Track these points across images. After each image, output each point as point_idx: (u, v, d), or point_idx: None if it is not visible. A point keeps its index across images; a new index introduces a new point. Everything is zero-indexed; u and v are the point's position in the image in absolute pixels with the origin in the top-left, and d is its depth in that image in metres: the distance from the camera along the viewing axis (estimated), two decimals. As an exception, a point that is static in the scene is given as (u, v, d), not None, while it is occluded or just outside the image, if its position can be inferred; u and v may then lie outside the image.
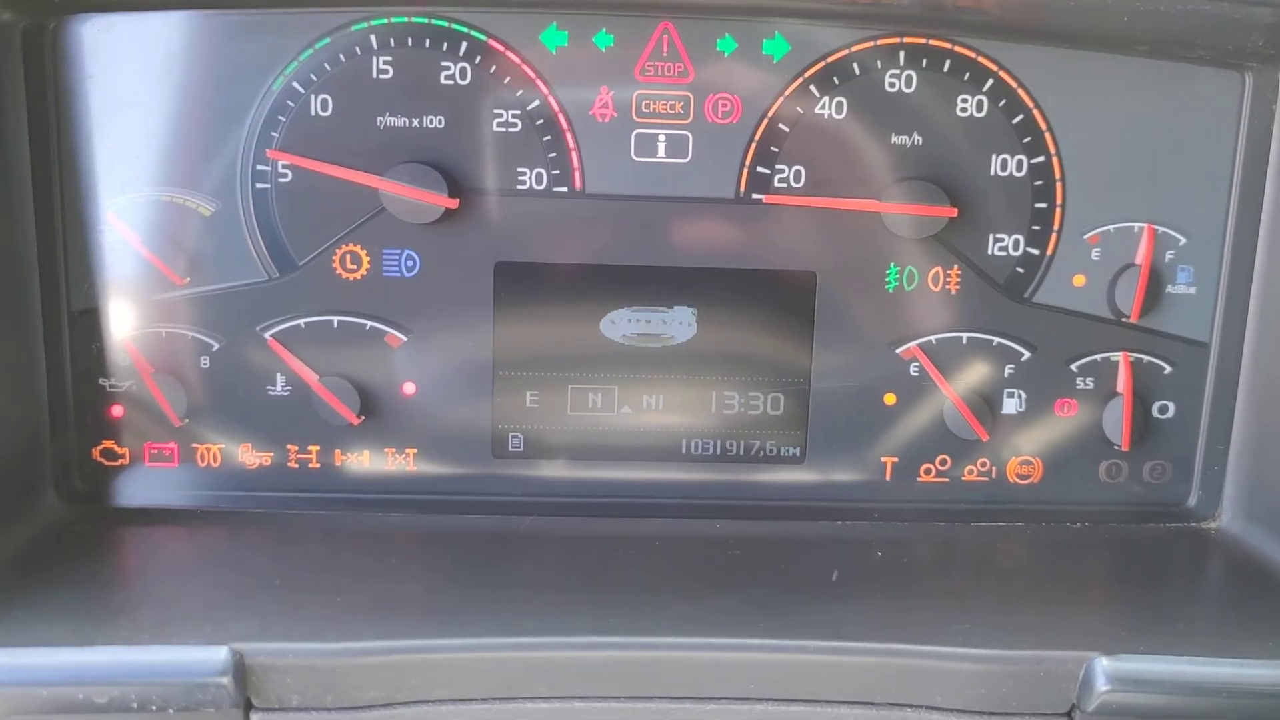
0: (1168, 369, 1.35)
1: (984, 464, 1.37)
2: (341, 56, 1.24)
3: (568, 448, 1.35)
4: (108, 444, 1.31)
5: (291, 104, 1.25)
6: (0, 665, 0.98)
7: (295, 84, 1.24)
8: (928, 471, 1.37)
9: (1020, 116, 1.29)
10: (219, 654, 0.99)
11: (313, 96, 1.25)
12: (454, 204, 1.25)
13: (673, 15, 1.25)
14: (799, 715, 1.06)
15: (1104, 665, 1.03)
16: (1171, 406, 1.36)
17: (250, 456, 1.33)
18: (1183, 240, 1.32)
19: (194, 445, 1.32)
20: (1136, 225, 1.32)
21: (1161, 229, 1.32)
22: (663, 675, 1.06)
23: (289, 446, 1.33)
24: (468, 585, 1.16)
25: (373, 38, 1.24)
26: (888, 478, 1.37)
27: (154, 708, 0.98)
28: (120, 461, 1.32)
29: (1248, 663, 1.05)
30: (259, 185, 1.26)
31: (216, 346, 1.30)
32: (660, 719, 1.06)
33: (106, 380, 1.30)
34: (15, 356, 1.24)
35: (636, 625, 1.08)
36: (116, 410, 1.31)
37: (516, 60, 1.26)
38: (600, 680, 1.05)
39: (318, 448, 1.33)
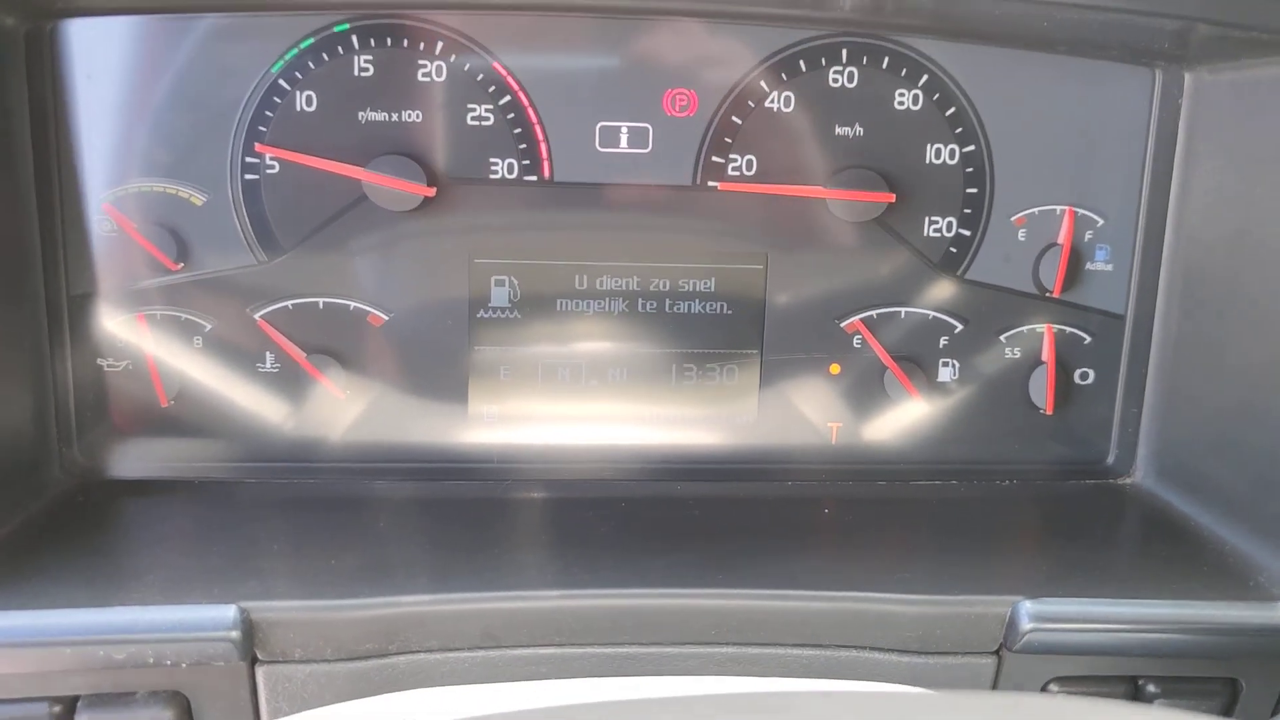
0: (1087, 339, 1.46)
1: (920, 427, 1.48)
2: (325, 55, 1.31)
3: (538, 418, 1.43)
4: (106, 419, 1.38)
5: (278, 100, 1.32)
6: (26, 626, 1.06)
7: (281, 81, 1.31)
8: (870, 434, 1.48)
9: (953, 109, 1.39)
10: (228, 612, 1.07)
11: (298, 93, 1.32)
12: (431, 192, 1.33)
13: (632, 17, 1.33)
14: (755, 657, 1.16)
15: (1028, 608, 1.15)
16: (1091, 373, 1.47)
17: (241, 429, 1.40)
18: (1100, 221, 1.43)
19: (188, 419, 1.39)
20: (1059, 208, 1.42)
21: (1081, 211, 1.42)
22: (631, 624, 1.15)
23: (278, 419, 1.41)
24: (451, 546, 1.24)
25: (354, 37, 1.31)
26: (833, 441, 1.47)
27: (168, 662, 1.06)
28: (118, 436, 1.38)
29: (1151, 603, 1.17)
30: (248, 176, 1.33)
31: (208, 327, 1.37)
32: (629, 664, 1.16)
33: (104, 360, 1.36)
34: (21, 340, 1.30)
35: (606, 579, 1.17)
36: (114, 388, 1.37)
37: (488, 58, 1.33)
38: (574, 630, 1.14)
39: (305, 420, 1.41)
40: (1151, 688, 1.21)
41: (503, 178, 1.36)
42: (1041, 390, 1.45)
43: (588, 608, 1.15)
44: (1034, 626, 1.14)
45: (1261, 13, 1.09)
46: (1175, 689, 1.21)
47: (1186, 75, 1.36)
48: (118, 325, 1.36)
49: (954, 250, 1.43)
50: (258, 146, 1.32)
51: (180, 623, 1.07)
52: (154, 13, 1.28)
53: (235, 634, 1.07)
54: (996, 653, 1.18)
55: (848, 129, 1.38)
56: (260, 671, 1.11)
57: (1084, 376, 1.48)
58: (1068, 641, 1.16)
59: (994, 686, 1.19)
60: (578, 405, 1.44)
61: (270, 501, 1.36)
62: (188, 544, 1.24)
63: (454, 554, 1.22)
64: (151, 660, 1.06)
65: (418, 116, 1.34)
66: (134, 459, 1.39)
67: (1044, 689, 1.21)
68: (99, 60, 1.29)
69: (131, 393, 1.38)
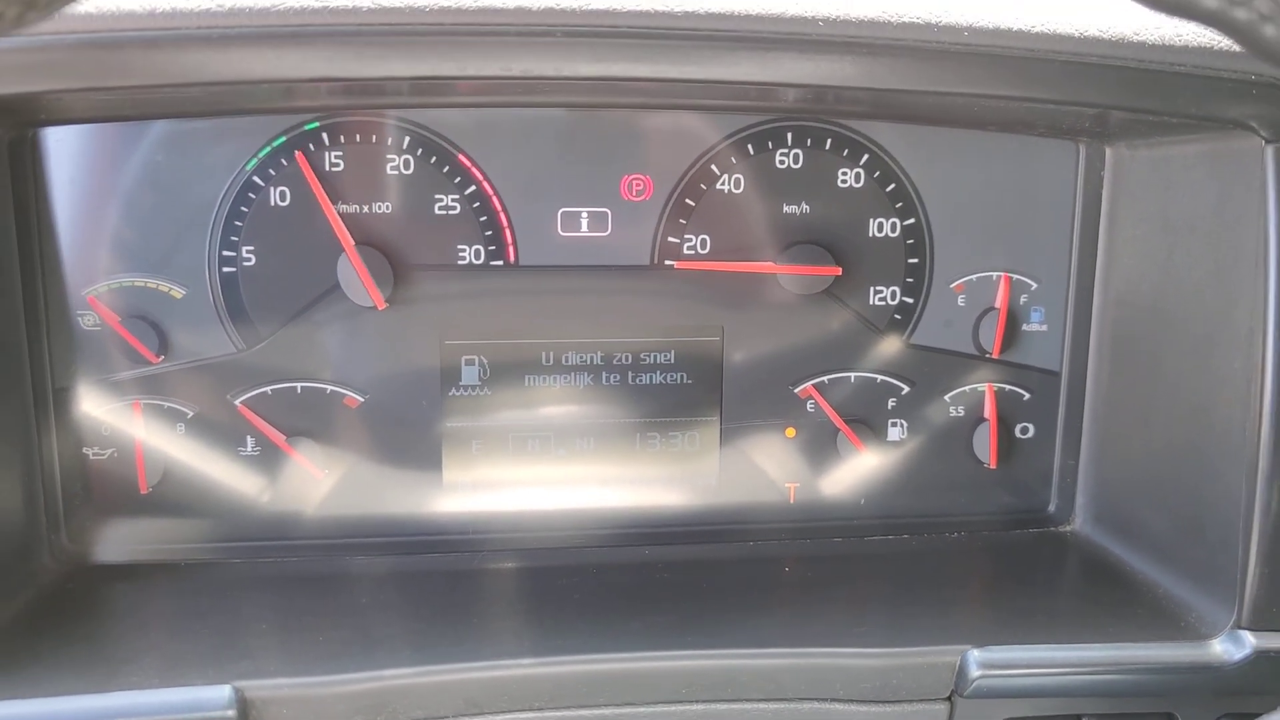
0: (1026, 396, 1.54)
1: (873, 485, 1.55)
2: (297, 152, 1.38)
3: (510, 488, 1.49)
4: (91, 507, 1.42)
5: (254, 196, 1.37)
6: (29, 714, 1.10)
7: (256, 178, 1.37)
8: (826, 493, 1.55)
9: (893, 185, 1.47)
10: (223, 692, 1.12)
11: (272, 189, 1.38)
12: (382, 305, 1.39)
13: (588, 109, 1.41)
14: (724, 713, 1.22)
15: (976, 656, 1.22)
16: (1031, 428, 1.55)
17: (224, 511, 1.44)
18: (1034, 285, 1.51)
19: (172, 503, 1.43)
20: (995, 274, 1.50)
21: (1016, 276, 1.51)
22: (606, 687, 1.20)
23: (259, 500, 1.45)
24: (431, 618, 1.29)
25: (324, 135, 1.38)
26: (791, 501, 1.54)
27: (167, 744, 1.12)
28: (104, 522, 1.42)
29: (1091, 646, 1.24)
30: (226, 269, 1.39)
31: (190, 414, 1.42)
32: (606, 724, 1.23)
33: (89, 449, 1.41)
34: (10, 433, 1.33)
35: (581, 645, 1.22)
36: (99, 475, 1.41)
37: (453, 151, 1.40)
38: (554, 694, 1.19)
39: (286, 500, 1.45)
40: (1094, 725, 1.29)
41: (470, 263, 1.43)
42: (985, 445, 1.53)
43: (564, 673, 1.20)
44: (982, 674, 1.21)
45: (1164, 101, 1.18)
46: (1116, 726, 1.29)
47: (1108, 150, 1.46)
48: (102, 415, 1.40)
49: (898, 317, 1.51)
50: (298, 155, 1.37)
51: (177, 704, 1.12)
52: (133, 119, 1.34)
53: (231, 713, 1.11)
54: (949, 699, 1.24)
55: (795, 207, 1.46)
56: (255, 748, 1.16)
57: (1024, 431, 1.56)
58: (1015, 686, 1.23)
59: (947, 731, 1.27)
60: (547, 474, 1.49)
61: (254, 580, 1.40)
62: (178, 626, 1.28)
63: (434, 625, 1.27)
64: (151, 742, 1.11)
65: (387, 208, 1.40)
66: (120, 544, 1.43)
67: (994, 731, 1.28)
68: (80, 164, 1.34)
69: (116, 480, 1.42)
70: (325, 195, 1.38)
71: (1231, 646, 1.24)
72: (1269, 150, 1.17)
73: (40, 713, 1.11)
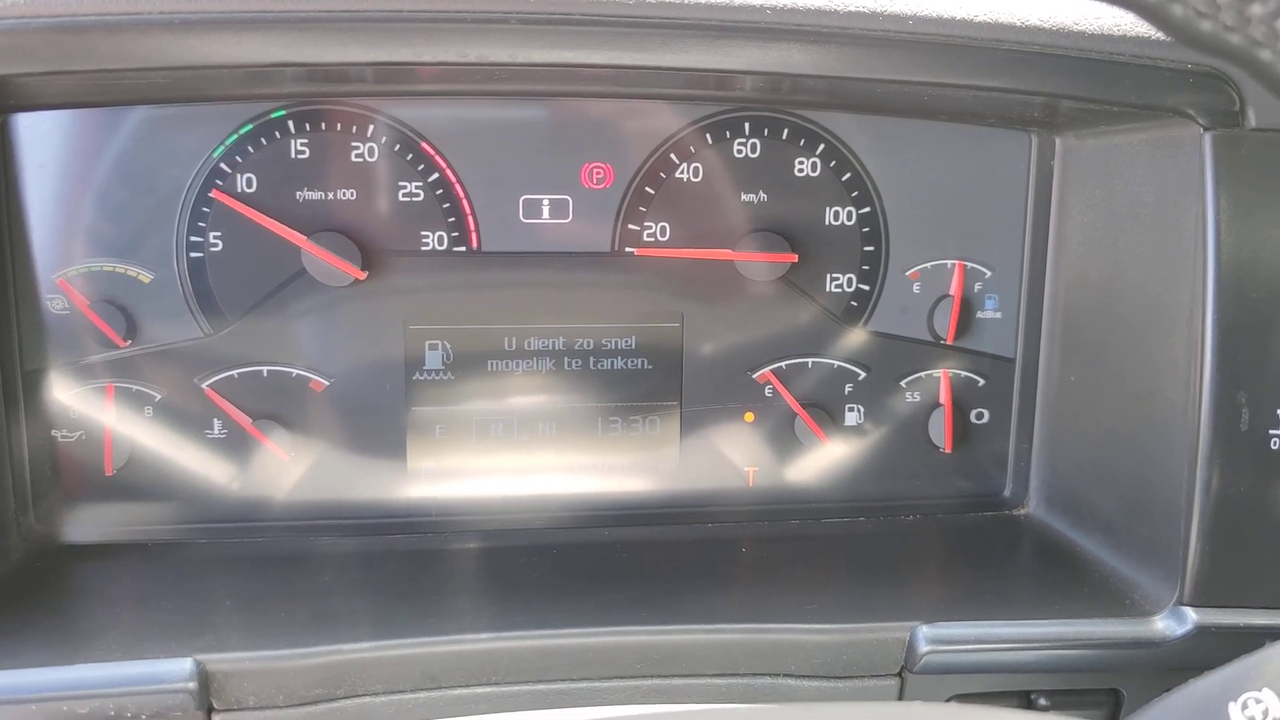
0: (981, 382, 1.57)
1: (830, 469, 1.58)
2: (263, 140, 1.40)
3: (474, 472, 1.51)
4: (60, 488, 1.44)
5: (220, 182, 1.40)
6: (-5, 685, 1.14)
7: (223, 165, 1.40)
8: (784, 476, 1.58)
9: (849, 174, 1.50)
10: (185, 665, 1.14)
11: (239, 175, 1.40)
12: (362, 275, 1.42)
13: (551, 98, 1.44)
14: (678, 688, 1.24)
15: (925, 632, 1.25)
16: (986, 413, 1.58)
17: (191, 493, 1.47)
18: (988, 273, 1.54)
19: (140, 485, 1.45)
20: (949, 262, 1.53)
21: (970, 264, 1.54)
22: (562, 662, 1.23)
23: (226, 482, 1.48)
24: (392, 596, 1.32)
25: (290, 123, 1.40)
26: (750, 484, 1.57)
27: (129, 715, 1.13)
28: (72, 503, 1.44)
29: (1039, 623, 1.27)
30: (193, 254, 1.41)
31: (158, 397, 1.44)
32: (561, 699, 1.24)
33: (58, 431, 1.43)
34: (-21, 415, 1.36)
35: (538, 621, 1.25)
36: (67, 457, 1.44)
37: (416, 139, 1.43)
38: (510, 668, 1.22)
39: (252, 482, 1.48)
40: (1043, 701, 1.30)
41: (433, 249, 1.46)
42: (940, 430, 1.56)
43: (521, 648, 1.22)
44: (931, 649, 1.24)
45: (1105, 89, 1.22)
46: (1064, 702, 1.31)
47: (1058, 140, 1.49)
48: (70, 398, 1.43)
49: (855, 304, 1.54)
50: (215, 193, 1.40)
51: (139, 676, 1.14)
52: (101, 105, 1.36)
53: (192, 685, 1.14)
54: (899, 674, 1.27)
55: (752, 195, 1.49)
56: (216, 720, 1.18)
57: (979, 416, 1.59)
58: (963, 661, 1.26)
59: (899, 706, 1.30)
60: (510, 458, 1.52)
61: (220, 560, 1.42)
62: (143, 603, 1.30)
63: (395, 602, 1.30)
64: (113, 713, 1.12)
65: (352, 195, 1.43)
66: (89, 524, 1.45)
67: (945, 707, 1.31)
68: (50, 150, 1.37)
69: (84, 462, 1.44)
70: (261, 215, 1.41)
71: (1174, 622, 1.27)
72: (1206, 138, 1.20)
73: (7, 685, 1.13)
